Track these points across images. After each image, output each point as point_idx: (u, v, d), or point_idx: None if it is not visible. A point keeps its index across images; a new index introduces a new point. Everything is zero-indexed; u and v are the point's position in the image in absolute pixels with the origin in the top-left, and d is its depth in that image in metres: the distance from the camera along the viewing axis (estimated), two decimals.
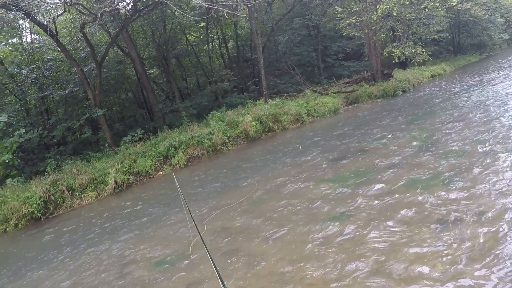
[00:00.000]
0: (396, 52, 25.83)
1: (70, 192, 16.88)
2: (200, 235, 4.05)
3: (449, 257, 5.80)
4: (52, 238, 12.95)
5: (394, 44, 28.47)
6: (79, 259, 9.88)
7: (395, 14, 24.39)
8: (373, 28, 27.33)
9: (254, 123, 21.05)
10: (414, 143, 12.41)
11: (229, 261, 7.41)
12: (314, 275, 6.23)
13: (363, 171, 10.61)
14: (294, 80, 30.63)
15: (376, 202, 8.36)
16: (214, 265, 3.17)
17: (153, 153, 18.89)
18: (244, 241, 8.19)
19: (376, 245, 6.64)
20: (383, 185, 9.22)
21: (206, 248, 3.42)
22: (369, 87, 27.58)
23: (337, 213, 8.28)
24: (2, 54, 27.43)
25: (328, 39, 37.03)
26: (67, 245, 11.44)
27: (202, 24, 29.83)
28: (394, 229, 7.03)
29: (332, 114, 23.82)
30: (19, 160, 19.86)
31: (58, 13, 20.76)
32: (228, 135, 20.54)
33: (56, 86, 24.62)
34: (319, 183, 10.53)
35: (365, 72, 31.80)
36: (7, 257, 12.23)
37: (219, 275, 3.00)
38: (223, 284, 2.93)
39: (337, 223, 7.75)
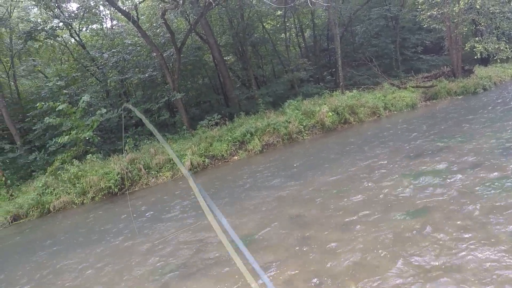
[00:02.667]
0: (478, 47, 24.32)
1: (147, 170, 17.56)
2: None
3: None
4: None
5: (477, 38, 26.90)
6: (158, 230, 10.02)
7: (478, 6, 23.00)
8: (454, 21, 25.84)
9: (330, 114, 20.57)
10: (495, 143, 11.34)
11: (304, 248, 7.07)
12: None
13: (442, 170, 9.76)
14: (371, 72, 29.72)
15: (452, 201, 7.68)
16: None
17: (229, 138, 19.05)
18: (318, 230, 7.80)
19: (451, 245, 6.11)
20: (460, 185, 8.42)
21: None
22: (449, 83, 26.14)
23: (415, 208, 7.70)
24: (84, 38, 28.41)
25: (407, 30, 35.56)
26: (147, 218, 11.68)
27: (279, 12, 29.51)
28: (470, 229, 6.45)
29: (409, 109, 22.81)
30: (99, 138, 20.52)
31: (140, 0, 21.26)
32: (304, 124, 20.20)
33: (135, 70, 25.20)
34: (396, 177, 9.87)
35: (445, 67, 30.26)
36: (92, 226, 12.77)
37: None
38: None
39: (415, 218, 7.24)
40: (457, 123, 15.94)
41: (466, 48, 26.76)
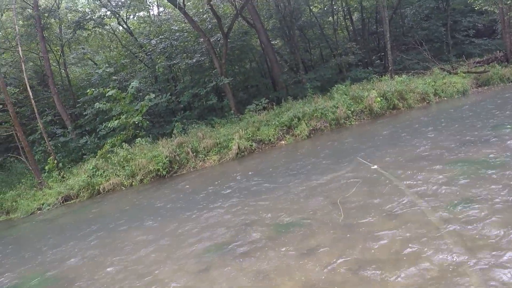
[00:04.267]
0: None
1: (194, 154, 17.76)
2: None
3: None
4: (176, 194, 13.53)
5: None
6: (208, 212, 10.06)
7: None
8: (508, 2, 24.61)
9: (379, 99, 20.01)
10: None
11: (348, 235, 6.85)
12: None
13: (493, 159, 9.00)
14: (421, 57, 28.76)
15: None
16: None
17: (277, 123, 18.88)
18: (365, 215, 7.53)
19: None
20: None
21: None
22: (502, 68, 24.83)
23: (464, 197, 7.20)
24: (131, 26, 28.83)
25: (458, 13, 34.09)
26: (196, 200, 11.70)
27: None
28: None
29: (460, 96, 21.81)
30: (148, 122, 20.81)
31: None
32: (352, 109, 19.72)
33: (183, 55, 25.35)
34: (446, 165, 9.19)
35: (498, 51, 28.91)
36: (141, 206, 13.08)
37: None
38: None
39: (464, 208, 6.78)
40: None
41: None
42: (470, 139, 11.13)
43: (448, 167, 8.95)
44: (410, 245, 5.97)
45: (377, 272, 5.48)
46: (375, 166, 10.35)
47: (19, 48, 20.15)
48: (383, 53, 29.49)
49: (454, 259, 5.36)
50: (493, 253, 5.30)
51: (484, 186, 7.43)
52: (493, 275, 4.87)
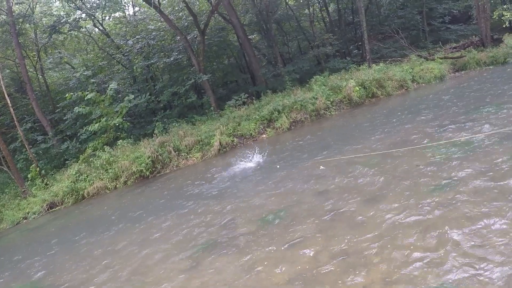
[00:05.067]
0: (507, 15, 23.52)
1: (177, 152, 17.89)
2: None
3: None
4: (164, 193, 13.68)
5: (505, 6, 25.93)
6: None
7: None
8: None
9: (357, 88, 20.21)
10: None
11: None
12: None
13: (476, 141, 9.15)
14: (398, 45, 28.98)
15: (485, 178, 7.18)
16: None
17: (257, 117, 19.07)
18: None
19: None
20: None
21: None
22: (478, 53, 25.14)
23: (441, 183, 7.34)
24: (107, 27, 28.66)
25: (433, 0, 34.53)
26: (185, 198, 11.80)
27: None
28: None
29: (438, 81, 22.03)
30: (128, 124, 20.83)
31: None
32: (331, 100, 19.93)
33: (160, 54, 25.30)
34: (426, 149, 9.45)
35: (473, 36, 29.25)
36: (127, 208, 13.10)
37: None
38: None
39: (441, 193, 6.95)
40: (488, 94, 14.81)
41: (494, 17, 25.93)
42: (447, 123, 11.32)
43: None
44: None
45: None
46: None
47: None
48: (360, 43, 29.63)
49: None
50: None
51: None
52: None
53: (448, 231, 5.67)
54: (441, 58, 24.63)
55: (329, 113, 19.42)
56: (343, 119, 17.92)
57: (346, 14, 32.87)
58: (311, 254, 6.17)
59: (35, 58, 26.14)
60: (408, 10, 32.04)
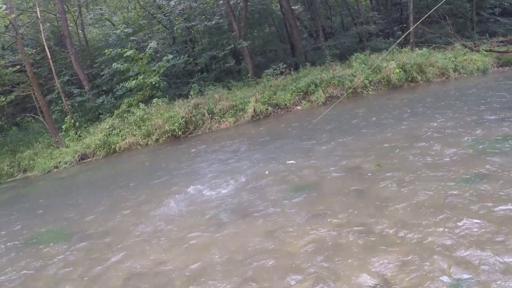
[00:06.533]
0: None
1: (210, 115, 17.97)
2: None
3: None
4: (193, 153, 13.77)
5: None
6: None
7: None
8: None
9: (397, 71, 19.72)
10: None
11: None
12: None
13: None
14: (444, 31, 28.10)
15: None
16: None
17: (293, 88, 18.90)
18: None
19: None
20: None
21: None
22: None
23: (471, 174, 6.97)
24: None
25: None
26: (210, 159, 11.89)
27: None
28: None
29: (480, 74, 21.24)
30: (164, 83, 20.80)
31: None
32: (369, 79, 19.54)
33: (202, 17, 25.03)
34: (460, 140, 8.95)
35: None
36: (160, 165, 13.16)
37: None
38: None
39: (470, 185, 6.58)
40: None
41: None
42: (487, 118, 10.72)
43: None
44: None
45: None
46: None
47: (37, 9, 20.07)
48: (405, 25, 28.90)
49: None
50: None
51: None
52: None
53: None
54: (486, 51, 23.75)
55: (366, 92, 19.11)
56: (380, 100, 17.45)
57: None
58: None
59: (76, 14, 26.21)
60: None
